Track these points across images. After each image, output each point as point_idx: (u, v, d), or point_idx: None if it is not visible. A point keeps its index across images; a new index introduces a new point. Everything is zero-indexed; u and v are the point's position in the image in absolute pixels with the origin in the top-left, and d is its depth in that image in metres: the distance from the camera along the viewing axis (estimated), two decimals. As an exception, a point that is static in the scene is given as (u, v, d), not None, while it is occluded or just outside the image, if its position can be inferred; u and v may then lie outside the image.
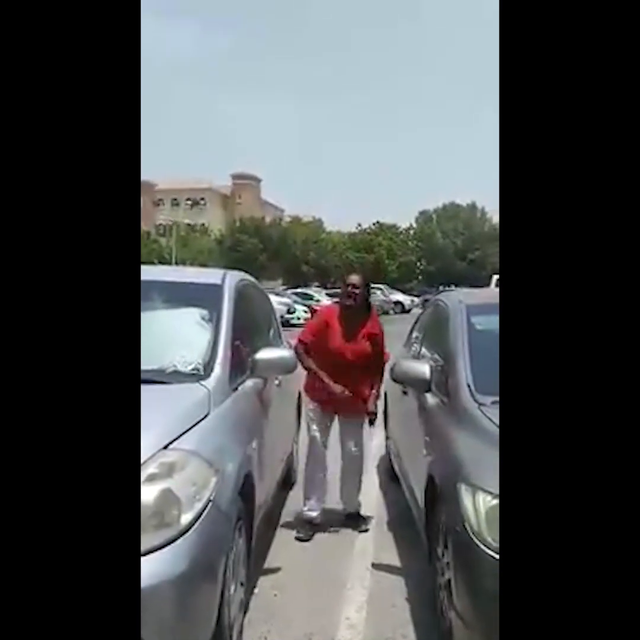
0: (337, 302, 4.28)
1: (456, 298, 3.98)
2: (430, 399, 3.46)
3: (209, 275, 3.86)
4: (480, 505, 2.32)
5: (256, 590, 3.27)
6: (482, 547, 2.25)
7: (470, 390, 3.01)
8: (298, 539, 4.02)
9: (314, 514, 4.16)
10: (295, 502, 4.50)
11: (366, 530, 4.18)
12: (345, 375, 4.04)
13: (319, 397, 4.16)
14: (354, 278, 4.11)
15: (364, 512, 4.37)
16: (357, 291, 4.07)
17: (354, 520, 4.27)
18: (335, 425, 4.29)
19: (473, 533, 2.30)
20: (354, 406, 4.13)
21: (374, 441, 6.23)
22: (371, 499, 4.78)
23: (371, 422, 4.29)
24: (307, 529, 4.10)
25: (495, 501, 2.24)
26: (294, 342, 4.24)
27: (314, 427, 4.20)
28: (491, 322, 3.42)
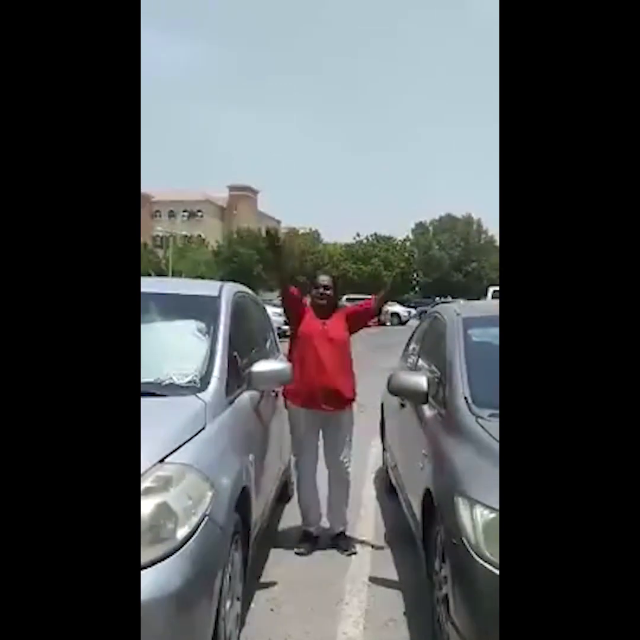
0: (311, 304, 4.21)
1: (453, 310, 3.98)
2: (428, 411, 3.45)
3: (206, 287, 3.86)
4: (478, 519, 2.31)
5: (252, 605, 3.25)
6: (480, 560, 2.23)
7: (467, 402, 3.00)
8: (298, 554, 3.96)
9: (312, 528, 4.14)
10: (292, 515, 4.47)
11: (354, 553, 3.99)
12: (328, 362, 3.96)
13: (304, 392, 3.98)
14: (325, 279, 4.13)
15: (361, 525, 4.33)
16: (328, 292, 4.10)
17: (340, 541, 4.10)
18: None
19: (471, 547, 2.29)
20: (338, 395, 3.99)
21: (372, 450, 6.23)
22: (368, 511, 4.76)
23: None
24: (308, 544, 4.05)
25: (493, 515, 2.23)
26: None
27: (300, 437, 4.09)
28: (488, 334, 3.43)
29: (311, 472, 4.16)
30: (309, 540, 4.09)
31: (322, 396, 3.97)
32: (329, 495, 4.19)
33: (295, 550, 4.00)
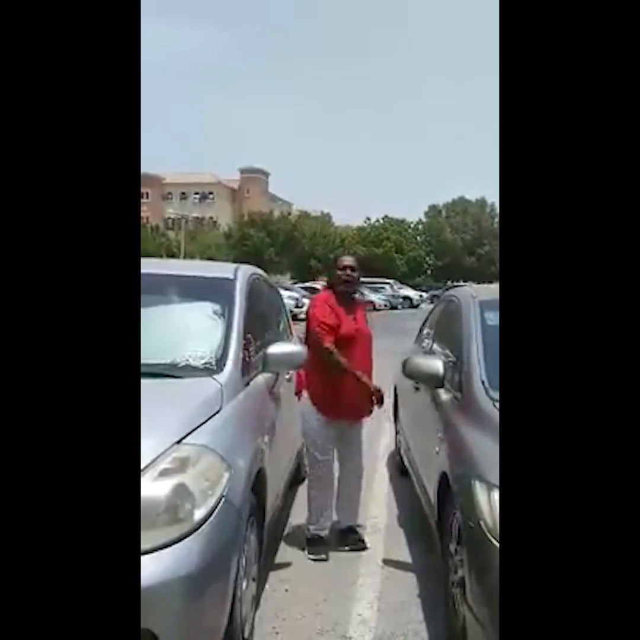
0: (328, 287, 3.95)
1: (469, 293, 3.94)
2: (443, 395, 3.43)
3: (222, 269, 3.85)
4: (494, 502, 2.30)
5: (267, 586, 3.27)
6: (497, 544, 2.23)
7: (483, 386, 2.98)
8: (317, 560, 3.65)
9: (323, 532, 3.82)
10: (305, 497, 4.48)
11: (363, 548, 3.77)
12: (361, 362, 3.72)
13: (328, 403, 3.72)
14: (349, 259, 3.87)
15: (374, 507, 4.31)
16: (354, 274, 3.81)
17: (350, 536, 3.86)
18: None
19: (488, 530, 2.28)
20: (364, 404, 3.76)
21: (384, 433, 6.23)
22: (381, 493, 4.78)
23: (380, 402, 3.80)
24: (321, 547, 3.74)
25: (511, 499, 2.22)
26: (322, 342, 3.64)
27: (317, 442, 3.78)
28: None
29: (327, 476, 3.86)
30: (321, 544, 3.78)
31: (344, 410, 3.74)
32: (340, 493, 3.90)
33: (311, 556, 3.67)
